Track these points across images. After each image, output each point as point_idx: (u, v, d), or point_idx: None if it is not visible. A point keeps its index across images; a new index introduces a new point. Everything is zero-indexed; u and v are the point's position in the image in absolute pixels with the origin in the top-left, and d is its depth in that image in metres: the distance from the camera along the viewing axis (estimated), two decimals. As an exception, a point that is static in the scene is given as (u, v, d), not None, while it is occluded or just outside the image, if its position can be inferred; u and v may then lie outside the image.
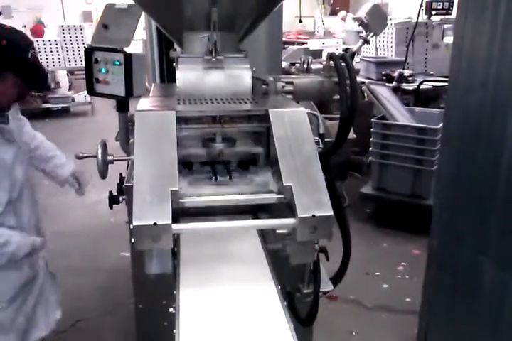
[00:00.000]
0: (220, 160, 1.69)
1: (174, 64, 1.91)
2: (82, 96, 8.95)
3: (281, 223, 1.38)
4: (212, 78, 1.83)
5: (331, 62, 1.93)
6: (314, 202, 1.34)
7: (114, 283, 3.50)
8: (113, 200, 2.07)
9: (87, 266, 3.69)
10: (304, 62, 2.19)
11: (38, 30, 9.32)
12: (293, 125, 1.52)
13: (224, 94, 1.79)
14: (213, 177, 1.58)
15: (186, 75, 1.82)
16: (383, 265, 3.65)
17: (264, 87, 1.95)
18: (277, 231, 1.57)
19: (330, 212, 1.33)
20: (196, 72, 1.82)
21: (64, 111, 9.05)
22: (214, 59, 1.81)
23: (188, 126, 1.66)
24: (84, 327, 3.04)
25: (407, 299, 3.26)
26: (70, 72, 9.91)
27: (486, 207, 1.77)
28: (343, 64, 1.82)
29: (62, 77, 9.24)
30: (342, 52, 1.96)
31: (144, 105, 1.64)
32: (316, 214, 1.31)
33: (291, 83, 1.95)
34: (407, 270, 3.65)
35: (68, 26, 8.78)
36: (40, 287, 2.20)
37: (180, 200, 1.35)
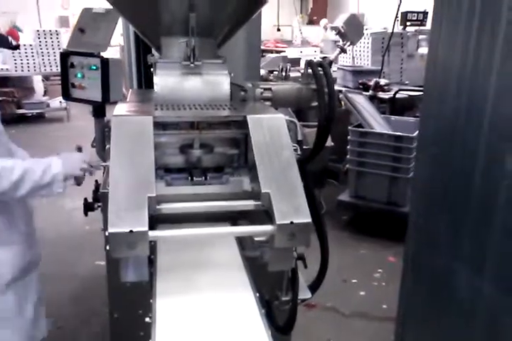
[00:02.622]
0: (198, 167, 1.68)
1: (152, 69, 1.89)
2: (57, 101, 8.83)
3: (259, 230, 1.37)
4: (191, 84, 1.82)
5: (309, 69, 1.94)
6: (292, 208, 1.34)
7: (89, 291, 3.43)
8: (88, 207, 2.03)
9: (62, 274, 3.61)
10: (282, 70, 2.20)
11: (14, 34, 9.18)
12: (271, 131, 1.52)
13: (202, 100, 1.79)
14: (189, 178, 1.58)
15: (164, 81, 1.81)
16: (360, 272, 3.67)
17: (242, 93, 1.95)
18: (255, 238, 1.57)
19: (308, 219, 1.32)
20: (174, 77, 1.81)
21: (39, 117, 8.90)
22: (192, 64, 1.80)
23: (165, 132, 1.65)
24: (59, 335, 2.96)
25: (384, 306, 3.27)
26: (46, 78, 9.77)
27: (460, 213, 1.79)
28: (321, 71, 1.83)
29: (37, 83, 9.11)
30: (320, 60, 1.97)
31: (120, 110, 1.62)
32: (295, 221, 1.30)
33: (269, 90, 1.95)
34: (384, 277, 3.67)
35: (44, 31, 8.67)
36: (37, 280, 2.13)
37: (157, 207, 1.33)
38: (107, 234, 1.22)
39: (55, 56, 8.49)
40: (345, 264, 3.69)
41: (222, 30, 1.94)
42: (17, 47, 2.14)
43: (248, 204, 1.42)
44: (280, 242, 1.32)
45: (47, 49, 8.55)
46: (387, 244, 4.07)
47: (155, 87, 1.80)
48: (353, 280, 3.58)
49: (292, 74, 2.23)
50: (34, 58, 8.46)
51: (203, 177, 1.61)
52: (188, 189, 1.60)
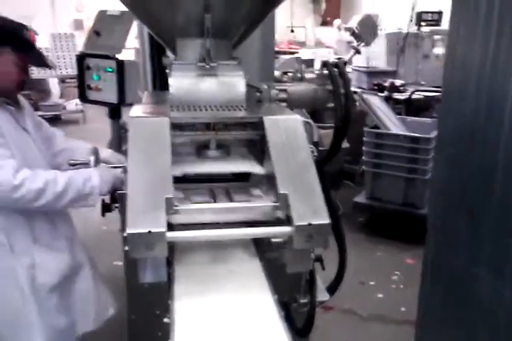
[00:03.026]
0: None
1: (167, 71, 1.89)
2: (73, 104, 8.93)
3: (277, 231, 1.36)
4: (206, 85, 1.81)
5: (325, 70, 1.93)
6: (311, 210, 1.32)
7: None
8: (106, 208, 2.04)
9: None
10: (297, 71, 2.19)
11: (31, 37, 9.28)
12: (288, 132, 1.51)
13: (217, 102, 1.78)
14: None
15: (179, 82, 1.81)
16: (377, 274, 3.63)
17: (258, 94, 1.94)
18: (272, 239, 1.56)
19: (326, 221, 1.31)
20: (189, 79, 1.81)
21: (55, 119, 8.99)
22: (207, 66, 1.80)
23: (181, 133, 1.64)
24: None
25: (402, 309, 3.24)
26: (62, 80, 9.88)
27: (479, 215, 1.76)
28: (336, 72, 1.82)
29: (54, 85, 9.21)
30: (336, 60, 1.96)
31: (137, 111, 1.62)
32: (313, 223, 1.29)
33: (284, 91, 1.95)
34: (402, 279, 3.63)
35: (60, 34, 8.77)
36: (85, 280, 2.20)
37: (175, 207, 1.33)
38: (125, 234, 1.22)
39: (70, 58, 8.60)
40: (362, 266, 3.66)
41: (237, 31, 1.94)
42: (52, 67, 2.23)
43: (266, 205, 1.41)
44: (298, 243, 1.31)
45: (62, 52, 8.66)
46: (404, 246, 4.04)
47: (170, 88, 1.80)
48: (371, 283, 3.55)
49: (307, 76, 2.22)
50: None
51: (228, 199, 1.56)
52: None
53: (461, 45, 1.77)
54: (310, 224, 1.29)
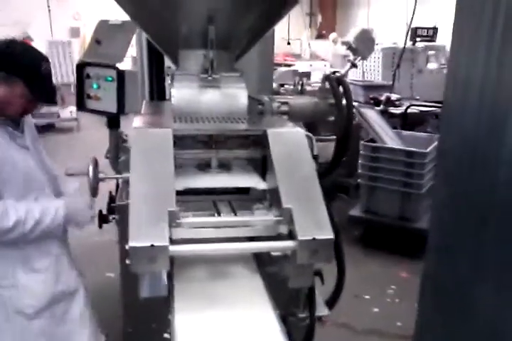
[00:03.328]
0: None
1: (169, 81, 1.89)
2: (67, 112, 8.88)
3: (280, 246, 1.34)
4: (208, 97, 1.81)
5: (327, 83, 1.93)
6: (315, 224, 1.31)
7: (99, 304, 3.39)
8: (103, 219, 2.02)
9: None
10: (297, 83, 2.19)
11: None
12: (291, 146, 1.50)
13: (219, 113, 1.77)
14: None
15: (182, 93, 1.80)
16: (372, 288, 3.62)
17: (259, 106, 1.94)
18: (272, 253, 1.54)
19: (331, 235, 1.30)
20: (192, 90, 1.80)
21: (49, 127, 8.94)
22: (210, 77, 1.79)
23: (182, 152, 1.62)
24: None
25: (398, 323, 3.22)
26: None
27: (482, 231, 1.76)
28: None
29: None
30: (337, 75, 1.96)
31: (139, 122, 1.61)
32: (317, 237, 1.28)
33: (286, 104, 1.94)
34: (397, 293, 3.62)
35: (56, 42, 8.75)
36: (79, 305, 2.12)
37: (177, 221, 1.31)
38: (127, 247, 1.20)
39: (66, 66, 8.56)
40: (356, 280, 3.63)
41: (239, 43, 1.94)
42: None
43: (269, 219, 1.40)
44: (302, 258, 1.29)
45: (59, 59, 8.61)
46: (399, 260, 4.03)
47: (172, 99, 1.79)
48: (366, 297, 3.53)
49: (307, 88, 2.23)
50: (46, 69, 8.51)
51: (232, 213, 1.54)
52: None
53: (463, 59, 1.78)
54: (314, 239, 1.28)
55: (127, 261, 1.22)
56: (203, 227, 1.38)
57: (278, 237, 1.40)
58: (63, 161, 5.06)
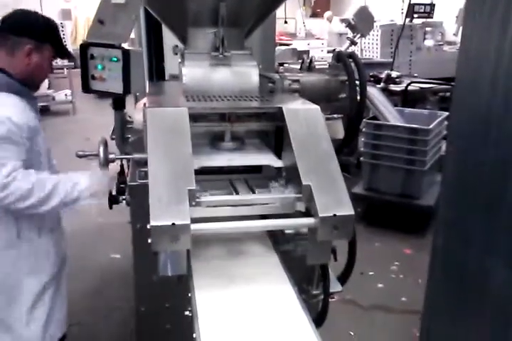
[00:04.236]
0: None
1: (179, 60, 1.86)
2: (62, 94, 8.79)
3: (301, 223, 1.35)
4: (220, 75, 1.79)
5: (338, 60, 1.92)
6: (335, 201, 1.32)
7: (105, 286, 3.42)
8: (113, 200, 2.02)
9: (76, 269, 3.58)
10: (306, 61, 2.17)
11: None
12: (308, 123, 1.49)
13: (231, 92, 1.76)
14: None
15: (193, 71, 1.78)
16: (376, 264, 3.65)
17: (270, 84, 1.92)
18: (287, 231, 1.55)
19: (351, 212, 1.31)
20: (203, 68, 1.78)
21: (44, 110, 8.84)
22: (221, 55, 1.77)
23: (197, 124, 1.62)
24: (76, 332, 2.95)
25: (403, 298, 3.26)
26: (50, 71, 9.69)
27: (494, 206, 1.77)
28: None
29: (42, 76, 9.04)
30: (350, 51, 1.94)
31: (152, 102, 1.59)
32: (338, 214, 1.29)
33: (297, 81, 1.93)
34: (401, 269, 3.65)
35: (49, 24, 8.56)
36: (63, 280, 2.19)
37: (197, 199, 1.31)
38: (148, 226, 1.20)
39: (60, 49, 8.40)
40: (361, 257, 3.64)
41: (249, 20, 1.91)
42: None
43: (289, 196, 1.40)
44: (323, 235, 1.30)
45: (52, 42, 8.44)
46: (402, 237, 4.07)
47: (183, 78, 1.77)
48: (370, 273, 3.56)
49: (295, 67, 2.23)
50: (39, 51, 8.34)
51: (250, 191, 1.55)
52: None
53: (476, 34, 1.76)
54: (335, 216, 1.28)
55: (149, 240, 1.22)
56: (222, 206, 1.39)
57: (295, 215, 1.41)
58: (61, 144, 5.04)
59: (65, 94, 8.72)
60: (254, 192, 1.51)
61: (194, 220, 1.23)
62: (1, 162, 1.69)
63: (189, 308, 1.34)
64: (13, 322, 1.97)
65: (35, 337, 2.01)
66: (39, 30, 1.93)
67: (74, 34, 12.32)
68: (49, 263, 2.04)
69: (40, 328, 2.01)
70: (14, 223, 1.91)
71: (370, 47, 7.02)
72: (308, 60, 2.17)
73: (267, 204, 1.42)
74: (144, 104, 1.63)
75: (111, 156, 1.72)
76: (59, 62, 8.44)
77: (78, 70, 2.10)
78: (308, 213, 1.36)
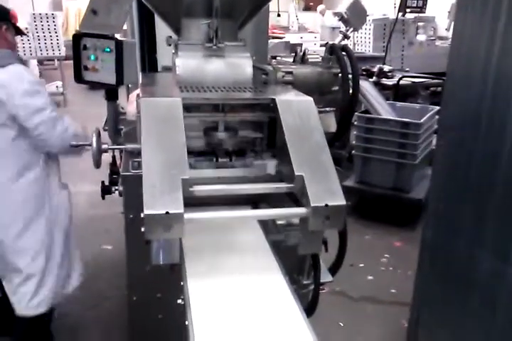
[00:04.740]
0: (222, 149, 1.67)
1: (172, 51, 1.86)
2: (53, 86, 8.71)
3: (293, 212, 1.36)
4: (213, 66, 1.79)
5: (331, 53, 1.93)
6: (327, 191, 1.33)
7: (96, 276, 3.42)
8: (105, 191, 2.02)
9: (68, 259, 3.58)
10: (299, 53, 2.18)
11: (14, 16, 8.98)
12: (301, 114, 1.50)
13: (225, 83, 1.76)
14: (214, 159, 1.61)
15: (187, 62, 1.78)
16: (367, 257, 3.69)
17: (264, 76, 1.93)
18: (277, 221, 1.57)
19: (343, 202, 1.32)
20: (197, 59, 1.78)
21: (35, 102, 8.76)
22: (215, 46, 1.77)
23: (190, 115, 1.62)
24: (67, 322, 2.96)
25: (392, 290, 3.30)
26: (40, 62, 9.60)
27: (483, 199, 1.80)
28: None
29: (33, 67, 8.96)
30: (343, 44, 1.95)
31: (146, 92, 1.60)
32: (329, 204, 1.30)
33: (290, 73, 1.94)
34: (391, 262, 3.70)
35: (40, 14, 8.46)
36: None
37: (190, 189, 1.32)
38: (142, 215, 1.21)
39: (51, 40, 8.31)
40: (351, 249, 3.67)
41: (243, 11, 1.91)
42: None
43: (281, 186, 1.41)
44: (314, 225, 1.31)
45: (43, 32, 8.34)
46: (392, 230, 4.11)
47: (177, 68, 1.77)
48: (360, 265, 3.60)
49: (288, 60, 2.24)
50: (30, 42, 8.27)
51: (228, 159, 1.60)
52: (214, 172, 1.59)
53: (468, 29, 1.78)
54: (327, 205, 1.30)
55: (142, 229, 1.23)
56: (214, 195, 1.40)
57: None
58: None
59: (56, 86, 8.64)
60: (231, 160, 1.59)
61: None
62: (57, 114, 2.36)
63: (181, 297, 1.35)
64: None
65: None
66: (5, 14, 2.50)
67: (65, 25, 12.18)
68: (65, 214, 2.57)
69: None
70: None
71: (362, 41, 7.03)
72: (302, 53, 2.17)
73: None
74: (137, 95, 1.63)
75: (104, 146, 1.73)
76: (49, 52, 8.42)
77: (69, 62, 2.10)
78: (301, 203, 1.37)
